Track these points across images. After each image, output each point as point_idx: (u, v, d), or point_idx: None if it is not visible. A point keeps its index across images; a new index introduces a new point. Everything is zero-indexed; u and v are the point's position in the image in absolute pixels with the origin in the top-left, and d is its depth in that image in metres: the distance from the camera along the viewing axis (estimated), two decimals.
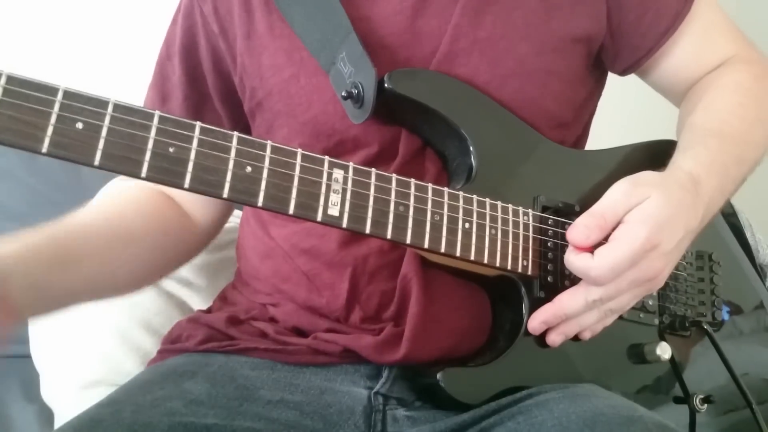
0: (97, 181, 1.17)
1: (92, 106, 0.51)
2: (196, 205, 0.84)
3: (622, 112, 1.00)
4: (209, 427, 0.60)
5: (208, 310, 0.82)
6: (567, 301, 0.66)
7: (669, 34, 0.80)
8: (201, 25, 0.80)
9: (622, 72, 0.85)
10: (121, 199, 0.81)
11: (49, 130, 0.49)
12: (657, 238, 0.63)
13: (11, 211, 1.19)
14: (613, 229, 0.64)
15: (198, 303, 1.01)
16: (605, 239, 0.64)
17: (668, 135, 0.87)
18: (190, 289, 1.02)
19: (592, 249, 0.64)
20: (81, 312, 1.00)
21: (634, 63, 0.83)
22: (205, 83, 0.81)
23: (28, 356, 1.05)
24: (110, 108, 0.51)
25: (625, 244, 0.63)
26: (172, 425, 0.59)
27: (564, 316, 0.67)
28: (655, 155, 0.82)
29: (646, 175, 0.67)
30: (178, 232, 0.83)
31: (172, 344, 0.78)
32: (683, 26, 0.81)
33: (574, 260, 0.65)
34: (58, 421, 0.98)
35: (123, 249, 0.75)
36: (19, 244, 0.63)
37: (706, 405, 0.73)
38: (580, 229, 0.64)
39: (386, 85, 0.67)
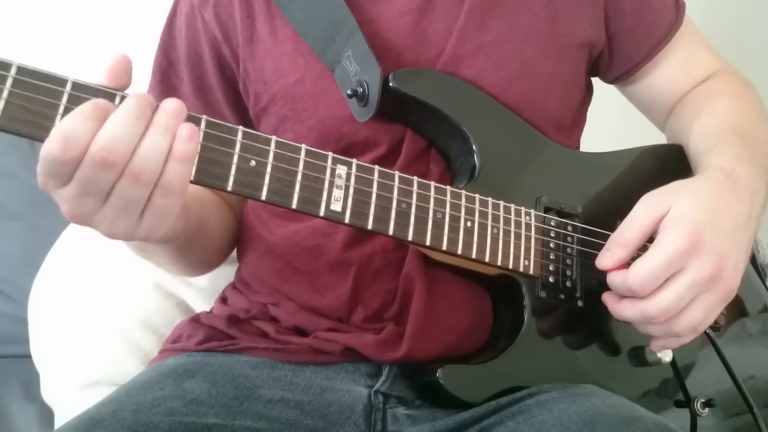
0: None
1: (100, 97, 0.51)
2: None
3: (621, 114, 1.01)
4: (210, 426, 0.60)
5: (210, 312, 0.82)
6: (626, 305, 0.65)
7: (662, 45, 0.83)
8: (203, 32, 0.79)
9: (614, 80, 0.87)
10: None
11: (57, 120, 0.49)
12: (696, 236, 0.62)
13: (11, 211, 1.18)
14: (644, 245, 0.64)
15: (198, 303, 1.01)
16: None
17: (663, 138, 0.88)
18: (191, 288, 1.02)
19: (627, 266, 0.64)
20: (81, 312, 1.01)
21: (627, 71, 0.85)
22: (213, 93, 0.80)
23: (28, 356, 1.05)
24: (118, 100, 0.52)
25: (660, 249, 0.62)
26: (173, 425, 0.58)
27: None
28: (661, 160, 0.83)
29: (669, 186, 0.67)
30: (232, 223, 0.84)
31: (172, 344, 0.78)
32: (674, 39, 0.83)
33: (611, 279, 0.65)
34: (58, 421, 0.98)
35: (212, 231, 0.79)
36: None
37: (707, 409, 0.73)
38: (602, 253, 0.66)
39: (391, 84, 0.68)
